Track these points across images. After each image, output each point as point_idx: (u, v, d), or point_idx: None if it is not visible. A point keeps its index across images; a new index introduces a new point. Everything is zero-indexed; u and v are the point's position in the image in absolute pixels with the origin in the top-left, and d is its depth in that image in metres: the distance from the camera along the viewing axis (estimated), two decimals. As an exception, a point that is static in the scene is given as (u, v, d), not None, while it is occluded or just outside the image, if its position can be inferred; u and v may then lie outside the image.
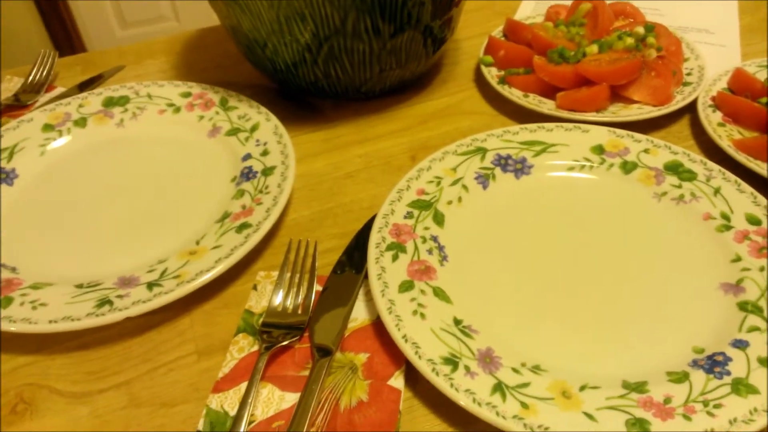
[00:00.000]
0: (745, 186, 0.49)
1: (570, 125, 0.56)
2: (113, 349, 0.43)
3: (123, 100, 0.63)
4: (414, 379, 0.40)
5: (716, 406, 0.36)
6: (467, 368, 0.38)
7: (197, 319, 0.45)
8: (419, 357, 0.38)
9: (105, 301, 0.42)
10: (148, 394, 0.40)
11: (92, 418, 0.39)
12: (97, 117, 0.62)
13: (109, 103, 0.63)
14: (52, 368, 0.42)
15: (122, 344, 0.43)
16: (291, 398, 0.39)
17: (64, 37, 2.09)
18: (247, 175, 0.54)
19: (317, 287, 0.46)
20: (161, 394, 0.40)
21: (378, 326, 0.43)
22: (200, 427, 0.38)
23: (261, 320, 0.43)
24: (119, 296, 0.43)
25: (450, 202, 0.51)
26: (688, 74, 0.63)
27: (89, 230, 0.51)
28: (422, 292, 0.43)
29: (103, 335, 0.43)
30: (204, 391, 0.40)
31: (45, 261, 0.48)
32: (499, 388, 0.37)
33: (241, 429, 0.36)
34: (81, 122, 0.61)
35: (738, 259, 0.45)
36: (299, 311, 0.44)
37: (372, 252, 0.45)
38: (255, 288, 0.46)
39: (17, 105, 0.67)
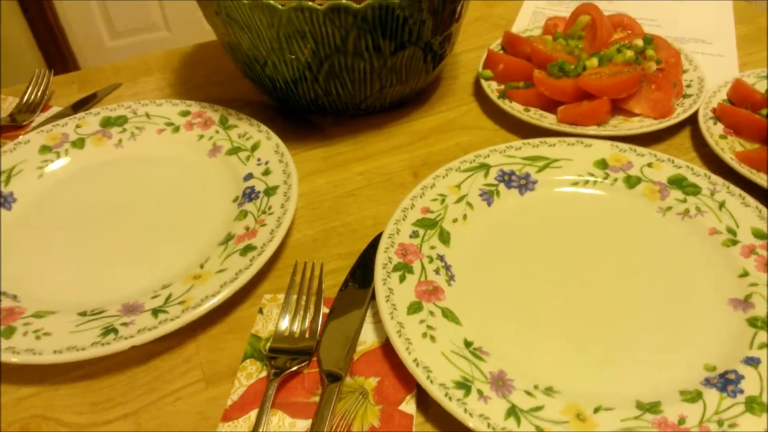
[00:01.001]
0: (749, 199, 0.49)
1: (572, 140, 0.56)
2: (118, 378, 0.42)
3: (121, 120, 0.62)
4: (425, 403, 0.40)
5: (731, 426, 0.36)
6: (480, 392, 0.38)
7: (203, 345, 0.44)
8: (431, 381, 0.38)
9: (110, 330, 0.42)
10: (156, 424, 0.39)
11: (100, 451, 0.38)
12: (96, 138, 0.61)
13: (107, 123, 0.62)
14: (56, 399, 0.41)
15: (127, 373, 0.42)
16: (302, 425, 0.39)
17: (53, 45, 2.08)
18: (250, 195, 0.53)
19: (324, 309, 0.45)
20: (169, 424, 0.39)
21: (387, 349, 0.43)
22: (210, 458, 0.37)
23: (268, 345, 0.43)
24: (124, 324, 0.42)
25: (455, 220, 0.50)
26: (688, 86, 0.63)
27: (91, 254, 0.50)
28: (431, 313, 0.43)
29: (107, 364, 0.43)
30: (213, 419, 0.39)
31: (46, 288, 0.47)
32: (513, 412, 0.37)
33: (253, 460, 0.36)
34: (79, 143, 0.60)
35: (745, 274, 0.45)
36: (307, 335, 0.43)
37: (379, 273, 0.45)
38: (261, 312, 0.46)
39: (13, 126, 0.66)
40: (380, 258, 0.46)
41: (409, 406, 0.39)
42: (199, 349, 0.44)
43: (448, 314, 0.43)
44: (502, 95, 0.63)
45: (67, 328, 0.42)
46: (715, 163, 0.56)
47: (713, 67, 0.69)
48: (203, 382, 0.42)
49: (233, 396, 0.40)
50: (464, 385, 0.38)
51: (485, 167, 0.54)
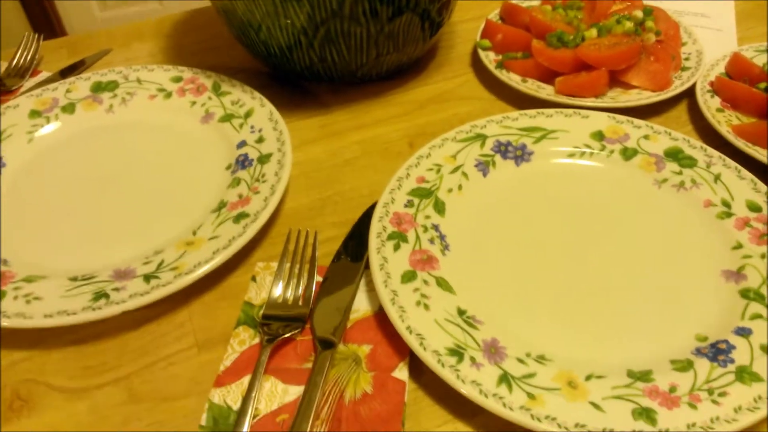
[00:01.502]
0: (745, 172, 0.49)
1: (570, 111, 0.55)
2: (110, 343, 0.42)
3: (112, 85, 0.61)
4: (418, 370, 0.40)
5: (721, 395, 0.36)
6: (473, 359, 0.38)
7: (196, 312, 0.44)
8: (424, 348, 0.38)
9: (101, 295, 0.41)
10: (148, 388, 0.39)
11: (91, 414, 0.38)
12: (86, 102, 0.60)
13: (98, 88, 0.61)
14: (48, 364, 0.41)
15: (119, 338, 0.42)
16: (294, 391, 0.39)
17: (42, 16, 2.04)
18: (243, 162, 0.52)
19: (318, 278, 0.45)
20: (161, 389, 0.39)
21: (380, 317, 0.43)
22: (203, 422, 0.37)
23: (261, 312, 0.43)
24: (116, 289, 0.42)
25: (450, 190, 0.50)
26: (686, 59, 0.62)
27: (81, 220, 0.49)
28: (425, 282, 0.43)
29: (100, 329, 0.42)
30: (205, 384, 0.39)
31: (37, 253, 0.46)
32: (505, 378, 0.37)
33: (246, 424, 0.36)
34: (69, 108, 0.59)
35: (739, 246, 0.45)
36: (300, 303, 0.43)
37: (373, 242, 0.45)
38: (254, 279, 0.46)
39: (2, 90, 0.65)
40: (375, 227, 0.46)
41: (401, 372, 0.40)
42: (192, 316, 0.44)
43: (442, 283, 0.43)
44: (500, 65, 0.62)
45: (58, 293, 0.42)
46: (712, 137, 0.56)
47: (712, 41, 0.68)
48: (196, 347, 0.42)
49: (226, 362, 0.40)
50: (457, 353, 0.38)
51: (481, 137, 0.54)
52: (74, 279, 0.43)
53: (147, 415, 0.38)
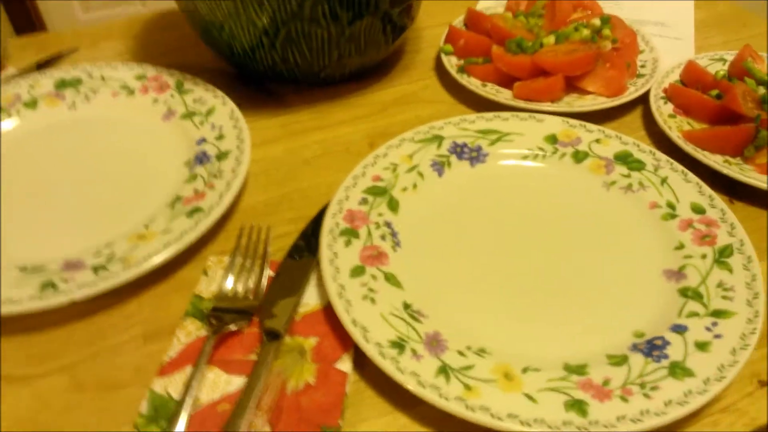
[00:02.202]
0: (691, 176, 0.51)
1: (525, 115, 0.57)
2: (57, 333, 0.42)
3: (75, 82, 0.61)
4: (362, 363, 0.40)
5: (653, 389, 0.37)
6: (414, 351, 0.39)
7: (145, 303, 0.44)
8: (367, 341, 0.39)
9: (49, 285, 0.42)
10: (92, 377, 0.39)
11: (33, 401, 0.38)
12: (49, 99, 0.60)
13: (62, 84, 0.61)
14: (-7, 352, 0.41)
15: (67, 328, 0.42)
16: (237, 382, 0.39)
17: (24, 17, 2.03)
18: (201, 159, 0.53)
19: (270, 272, 0.46)
20: (105, 378, 0.40)
21: (328, 311, 0.43)
22: (143, 410, 0.37)
23: (212, 305, 0.43)
24: (64, 280, 0.42)
25: (405, 189, 0.51)
26: (642, 66, 0.64)
27: (36, 213, 0.49)
28: (373, 277, 0.43)
29: (48, 319, 0.43)
30: (149, 374, 0.40)
31: (-12, 244, 0.47)
32: (443, 370, 0.38)
33: (185, 412, 0.36)
34: (31, 104, 0.60)
35: (681, 246, 0.46)
36: (250, 296, 0.44)
37: (325, 237, 0.45)
38: (205, 273, 0.46)
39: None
40: (327, 223, 0.46)
41: (345, 364, 0.40)
42: (141, 307, 0.44)
43: (390, 278, 0.44)
44: (461, 70, 0.64)
45: (7, 283, 0.42)
46: (664, 142, 0.57)
47: (671, 49, 0.70)
48: (142, 338, 0.42)
49: (170, 353, 0.41)
50: (399, 345, 0.39)
51: (438, 139, 0.55)
52: (24, 269, 0.43)
53: (89, 403, 0.38)
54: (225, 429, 0.35)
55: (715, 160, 0.53)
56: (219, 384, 0.39)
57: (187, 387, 0.37)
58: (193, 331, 0.42)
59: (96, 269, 0.43)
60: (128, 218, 0.48)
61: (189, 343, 0.41)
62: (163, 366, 0.40)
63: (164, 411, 0.37)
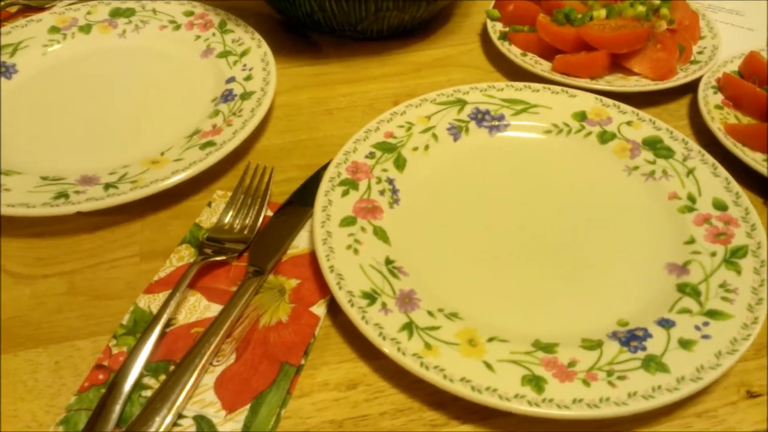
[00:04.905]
0: (721, 170, 0.47)
1: (558, 88, 0.54)
2: (64, 241, 0.45)
3: (129, 12, 0.64)
4: (337, 311, 0.41)
5: (620, 378, 0.36)
6: (384, 305, 0.39)
7: (148, 225, 0.46)
8: (339, 288, 0.39)
9: (62, 194, 0.44)
10: (87, 285, 0.42)
11: (31, 299, 0.41)
12: (102, 25, 0.63)
13: (116, 13, 0.64)
14: (8, 250, 0.44)
15: (74, 238, 0.45)
16: (216, 309, 0.41)
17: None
18: (227, 97, 0.54)
19: (268, 212, 0.47)
20: (99, 288, 0.42)
21: (315, 256, 0.44)
22: (124, 321, 0.40)
23: (206, 234, 0.45)
24: (77, 192, 0.45)
25: (416, 149, 0.50)
26: (700, 53, 0.60)
27: (67, 128, 0.53)
28: (362, 229, 0.44)
29: (59, 228, 0.46)
30: (139, 290, 0.42)
31: (19, 151, 0.50)
32: (408, 327, 0.38)
33: (158, 327, 0.38)
34: (86, 29, 0.63)
35: (692, 241, 0.44)
36: (245, 232, 0.45)
37: (324, 185, 0.46)
38: (209, 205, 0.48)
39: (37, 8, 0.69)
40: (330, 171, 0.47)
41: (319, 309, 0.41)
42: (144, 228, 0.46)
43: (378, 232, 0.44)
44: (503, 36, 0.62)
45: (26, 188, 0.45)
46: (705, 134, 0.54)
47: (740, 39, 0.65)
48: (139, 257, 0.44)
49: (161, 273, 0.43)
50: (370, 296, 0.39)
51: (461, 103, 0.54)
52: (45, 178, 0.47)
53: (79, 307, 0.41)
54: (193, 348, 0.37)
55: (753, 158, 0.49)
56: (198, 308, 0.41)
57: (164, 304, 0.39)
58: (185, 256, 0.44)
59: (107, 186, 0.45)
60: (149, 144, 0.51)
61: (179, 267, 0.43)
62: (151, 284, 0.42)
63: (143, 325, 0.39)
